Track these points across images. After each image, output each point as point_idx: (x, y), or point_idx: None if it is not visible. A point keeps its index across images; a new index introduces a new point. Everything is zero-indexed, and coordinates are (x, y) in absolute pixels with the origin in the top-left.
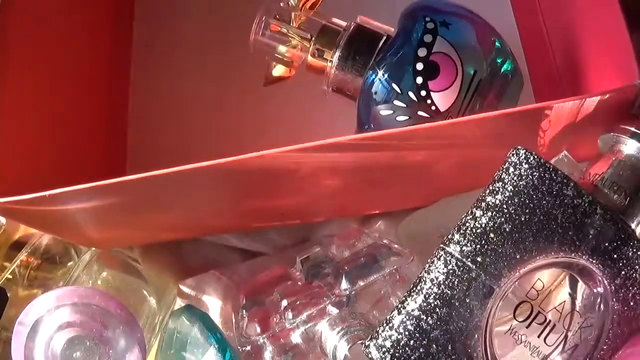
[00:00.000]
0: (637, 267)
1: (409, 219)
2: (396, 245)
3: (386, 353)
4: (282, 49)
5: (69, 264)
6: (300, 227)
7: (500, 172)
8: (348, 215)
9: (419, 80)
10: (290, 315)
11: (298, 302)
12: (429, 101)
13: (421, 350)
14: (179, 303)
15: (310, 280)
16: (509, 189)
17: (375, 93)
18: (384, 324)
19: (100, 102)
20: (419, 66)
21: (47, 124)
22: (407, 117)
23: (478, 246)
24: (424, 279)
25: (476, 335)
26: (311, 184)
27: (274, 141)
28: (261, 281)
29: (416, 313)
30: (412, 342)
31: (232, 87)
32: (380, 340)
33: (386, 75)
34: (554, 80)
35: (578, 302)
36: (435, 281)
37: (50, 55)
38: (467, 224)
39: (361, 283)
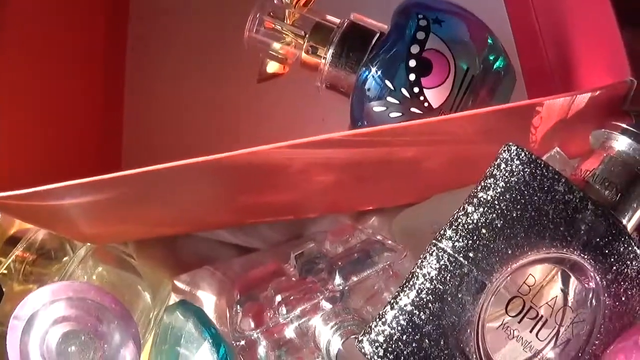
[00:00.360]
0: (629, 262)
1: (402, 215)
2: (389, 241)
3: (379, 348)
4: (276, 45)
5: (64, 259)
6: (294, 223)
7: (492, 168)
8: (341, 211)
9: (412, 77)
10: (284, 310)
11: (292, 298)
12: (421, 98)
13: (414, 345)
14: (174, 298)
15: (304, 276)
16: (500, 185)
17: (369, 90)
18: (377, 319)
19: (95, 100)
20: (412, 63)
21: (41, 123)
22: (400, 114)
23: (470, 242)
24: (417, 274)
25: (468, 330)
26: (304, 180)
27: (268, 137)
28: (255, 276)
29: (409, 308)
30: (404, 337)
31: (226, 85)
32: (373, 335)
33: (379, 72)
34: (546, 77)
35: (570, 297)
36: (427, 276)
37: (45, 54)
38: (459, 220)
39: (354, 278)
